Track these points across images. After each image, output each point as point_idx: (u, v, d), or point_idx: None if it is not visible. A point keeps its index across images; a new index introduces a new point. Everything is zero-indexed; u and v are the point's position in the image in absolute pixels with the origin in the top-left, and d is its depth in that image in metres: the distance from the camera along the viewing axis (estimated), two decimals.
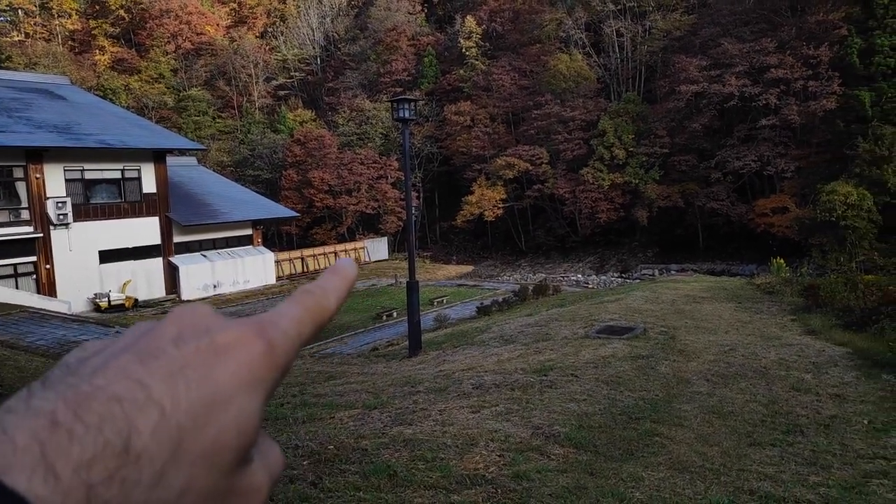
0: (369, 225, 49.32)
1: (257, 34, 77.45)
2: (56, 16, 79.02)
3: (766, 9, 39.80)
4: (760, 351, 10.22)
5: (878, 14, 34.44)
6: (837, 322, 12.52)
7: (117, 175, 28.19)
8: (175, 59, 70.62)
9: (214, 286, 29.97)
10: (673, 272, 34.90)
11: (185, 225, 29.57)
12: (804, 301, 14.82)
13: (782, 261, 21.70)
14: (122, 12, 76.82)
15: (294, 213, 39.95)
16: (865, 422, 6.78)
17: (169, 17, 71.82)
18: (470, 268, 44.89)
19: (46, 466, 0.27)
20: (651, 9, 46.01)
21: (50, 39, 75.11)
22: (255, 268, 32.05)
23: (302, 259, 37.70)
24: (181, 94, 65.70)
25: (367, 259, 43.47)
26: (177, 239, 29.91)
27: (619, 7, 46.94)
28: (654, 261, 40.61)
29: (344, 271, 0.44)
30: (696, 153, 39.57)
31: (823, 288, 14.65)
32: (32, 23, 77.51)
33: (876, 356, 9.76)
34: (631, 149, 41.02)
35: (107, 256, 27.40)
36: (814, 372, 8.99)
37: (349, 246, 42.98)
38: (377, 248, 45.18)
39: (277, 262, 34.60)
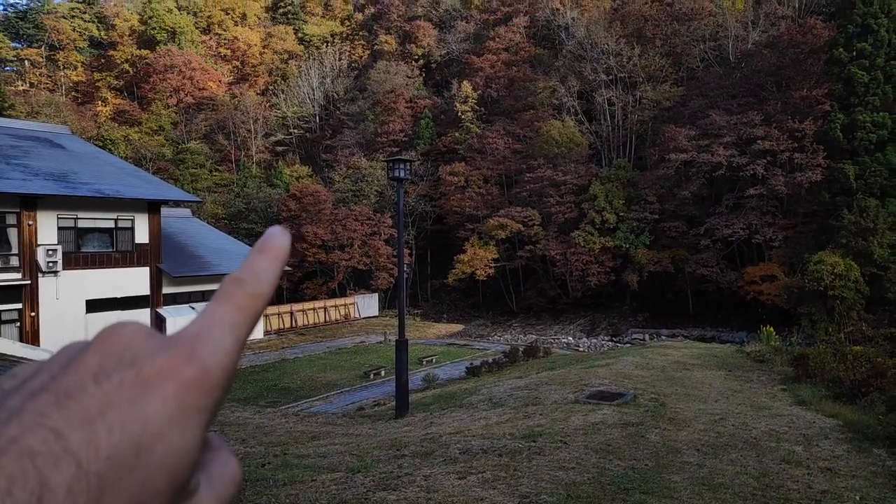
0: (361, 281, 49.26)
1: (258, 91, 79.39)
2: (62, 67, 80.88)
3: (751, 83, 41.28)
4: (751, 421, 10.12)
5: (859, 91, 35.78)
6: (827, 393, 12.45)
7: (110, 224, 28.21)
8: (176, 113, 71.99)
9: None
10: (663, 337, 34.83)
11: (175, 276, 29.44)
12: (794, 371, 14.77)
13: (772, 329, 21.74)
14: (126, 66, 78.78)
15: (286, 267, 39.85)
16: (857, 498, 6.67)
17: (173, 73, 73.61)
18: (460, 327, 44.64)
19: None
20: (641, 80, 47.63)
21: (54, 90, 76.63)
22: None
23: (291, 314, 37.43)
24: (180, 147, 66.65)
25: (356, 315, 43.19)
26: (166, 290, 29.72)
27: (610, 77, 48.57)
28: (645, 325, 40.57)
29: (274, 247, 0.40)
30: (686, 220, 40.18)
31: (813, 358, 14.63)
32: (38, 73, 79.20)
33: (866, 429, 9.68)
34: (621, 214, 41.63)
35: (94, 306, 27.09)
36: (804, 444, 8.88)
37: (339, 301, 42.78)
38: (368, 305, 44.97)
39: (266, 316, 34.32)
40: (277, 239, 0.40)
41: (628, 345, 32.26)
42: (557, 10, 59.34)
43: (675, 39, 47.85)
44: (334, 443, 9.18)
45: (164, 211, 31.65)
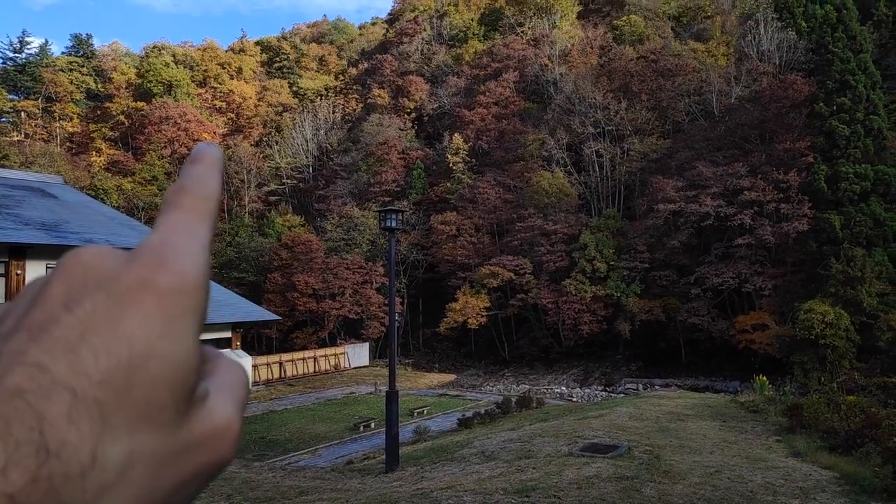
0: (352, 330, 48.87)
1: (253, 143, 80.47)
2: (58, 118, 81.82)
3: (736, 136, 42.28)
4: (746, 474, 9.97)
5: (840, 144, 36.73)
6: (822, 444, 12.34)
7: None
8: (170, 163, 72.62)
9: None
10: (657, 387, 34.53)
11: None
12: (788, 421, 14.64)
13: (765, 378, 21.66)
14: (122, 118, 79.85)
15: (276, 317, 39.49)
16: None
17: (168, 124, 74.63)
18: (452, 377, 44.12)
19: None
20: (628, 132, 48.69)
21: (49, 140, 77.33)
22: None
23: (280, 364, 36.96)
24: None
25: (347, 365, 42.68)
26: None
27: (598, 130, 49.64)
28: (638, 374, 40.27)
29: (206, 156, 0.37)
30: (676, 269, 40.43)
31: (807, 408, 14.55)
32: (34, 124, 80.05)
33: (863, 482, 9.56)
34: (612, 262, 41.88)
35: None
36: (801, 498, 8.74)
37: (330, 351, 42.34)
38: (358, 354, 44.49)
39: (255, 366, 33.86)
40: (208, 149, 0.38)
41: (622, 394, 31.94)
42: (546, 65, 61.05)
43: (661, 94, 49.17)
44: (322, 499, 8.95)
45: None
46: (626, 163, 47.72)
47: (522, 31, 70.67)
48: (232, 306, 35.48)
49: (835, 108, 37.25)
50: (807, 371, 30.03)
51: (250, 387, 0.35)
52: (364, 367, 43.87)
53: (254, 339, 49.88)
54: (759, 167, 38.82)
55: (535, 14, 71.58)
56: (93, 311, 0.29)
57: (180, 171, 0.37)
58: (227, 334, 33.16)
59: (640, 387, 36.02)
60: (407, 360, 48.07)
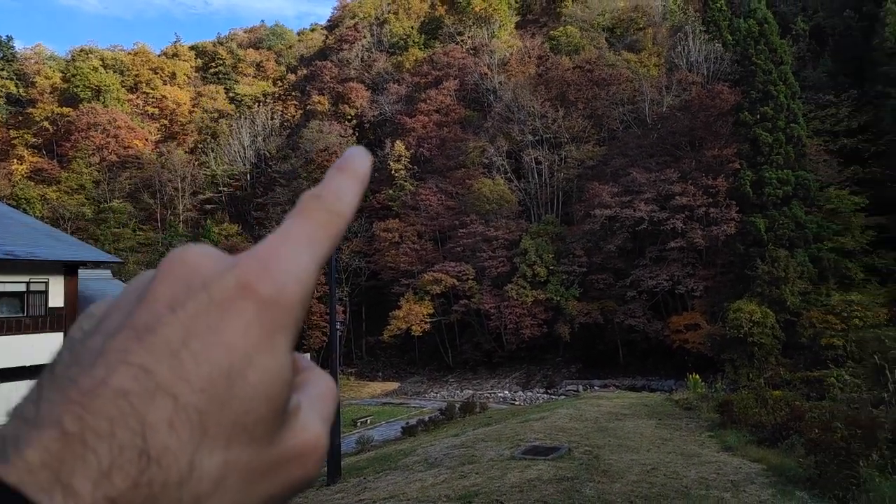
0: None
1: (187, 150, 78.04)
2: None
3: (667, 144, 43.88)
4: (681, 470, 10.29)
5: (764, 151, 38.66)
6: (751, 438, 12.86)
7: (21, 288, 26.47)
8: (98, 171, 69.58)
9: None
10: (596, 388, 35.33)
11: None
12: (720, 417, 15.21)
13: (698, 376, 22.46)
14: (46, 124, 75.96)
15: None
16: None
17: (96, 130, 71.54)
18: (396, 384, 43.89)
19: (64, 486, 0.25)
20: (566, 140, 49.82)
21: None
22: None
23: None
24: (102, 206, 64.16)
25: None
26: None
27: (536, 138, 50.58)
28: (578, 376, 41.10)
29: (354, 167, 0.37)
30: (613, 272, 41.53)
31: (737, 404, 15.14)
32: None
33: (789, 472, 10.01)
34: (551, 267, 42.66)
35: (2, 375, 25.13)
36: (732, 491, 9.08)
37: None
38: None
39: None
40: (358, 159, 0.37)
41: (563, 396, 32.51)
42: (486, 74, 61.83)
43: (596, 103, 50.56)
44: None
45: (83, 273, 30.03)
46: (563, 169, 48.78)
47: (462, 40, 71.35)
48: None
49: (758, 116, 39.20)
50: (737, 368, 31.37)
51: (337, 399, 0.35)
52: None
53: None
54: (689, 173, 40.39)
55: (474, 23, 72.41)
56: (195, 314, 0.29)
57: (326, 175, 0.36)
58: None
59: (581, 388, 36.77)
60: (350, 370, 47.53)
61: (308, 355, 45.43)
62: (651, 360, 39.71)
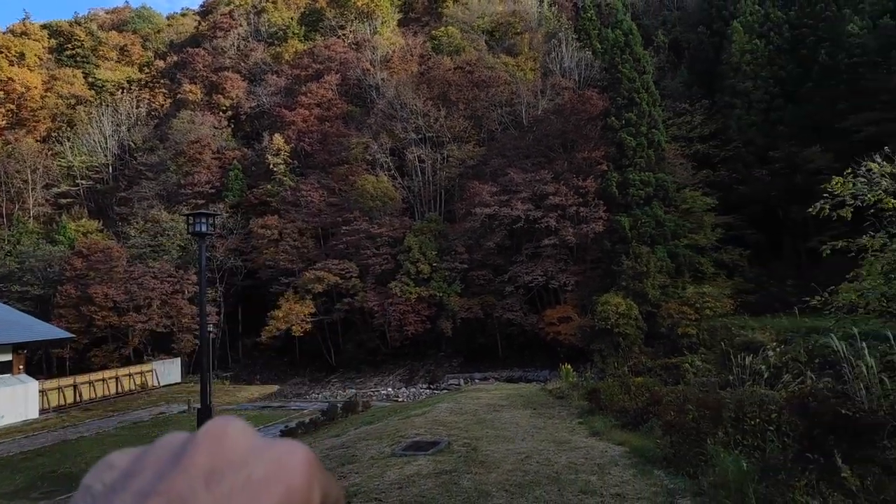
0: (161, 345, 44.95)
1: (39, 138, 70.81)
2: None
3: (542, 145, 45.84)
4: (553, 456, 10.79)
5: (628, 154, 41.46)
6: (616, 423, 13.74)
7: None
8: None
9: None
10: (477, 381, 36.25)
11: None
12: (589, 404, 16.14)
13: (570, 366, 23.69)
14: None
15: (68, 335, 35.24)
16: None
17: None
18: (276, 387, 42.47)
19: None
20: (448, 139, 50.59)
21: None
22: (12, 401, 27.26)
23: (75, 387, 32.93)
24: None
25: (156, 384, 39.21)
26: None
27: (420, 136, 50.95)
28: (460, 370, 41.96)
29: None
30: (492, 269, 42.80)
31: (604, 391, 16.13)
32: None
33: (648, 453, 10.79)
34: (434, 264, 43.21)
35: None
36: (598, 473, 9.65)
37: (135, 369, 38.57)
38: (169, 371, 41.09)
39: (43, 391, 29.85)
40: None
41: (445, 391, 33.04)
42: (368, 70, 61.33)
43: (476, 104, 51.77)
44: None
45: None
46: (446, 168, 49.52)
47: (344, 34, 70.31)
48: (14, 325, 30.95)
49: (624, 121, 41.97)
50: (604, 357, 33.41)
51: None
52: (176, 384, 40.64)
53: (42, 360, 43.89)
54: (562, 174, 42.45)
55: (356, 18, 71.60)
56: (230, 493, 0.29)
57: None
58: (9, 357, 28.86)
59: (462, 381, 37.57)
60: (225, 374, 45.43)
61: (178, 360, 42.73)
62: (528, 352, 41.35)
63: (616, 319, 33.90)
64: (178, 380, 41.46)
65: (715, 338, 30.26)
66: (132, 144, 67.04)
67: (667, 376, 24.75)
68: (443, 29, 66.08)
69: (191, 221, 13.40)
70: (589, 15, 57.17)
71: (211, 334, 27.52)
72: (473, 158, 48.72)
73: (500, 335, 41.87)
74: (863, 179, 7.94)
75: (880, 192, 7.61)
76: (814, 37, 42.31)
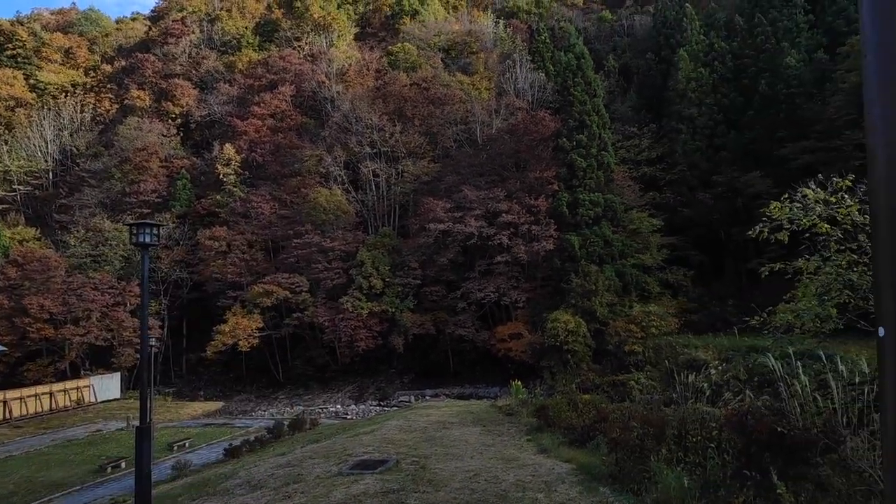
0: (100, 359, 43.16)
1: None
2: None
3: (496, 164, 46.42)
4: (501, 474, 10.80)
5: (579, 175, 42.35)
6: (564, 440, 13.86)
7: None
8: None
9: None
10: (427, 398, 36.08)
11: None
12: (537, 421, 16.24)
13: (520, 383, 23.81)
14: None
15: (0, 348, 33.47)
16: None
17: None
18: (220, 404, 41.29)
19: None
20: (403, 155, 50.67)
21: None
22: None
23: (4, 402, 31.26)
24: None
25: (93, 399, 37.58)
26: None
27: (374, 150, 50.86)
28: (411, 387, 41.70)
29: None
30: (445, 284, 42.87)
31: (552, 408, 16.26)
32: None
33: (594, 470, 10.92)
34: (387, 279, 43.00)
35: None
36: (545, 491, 9.70)
37: (71, 385, 36.91)
38: (107, 386, 39.46)
39: None
40: None
41: (395, 408, 32.75)
42: (323, 83, 61.01)
43: (432, 121, 52.09)
44: None
45: None
46: (400, 183, 49.51)
47: (300, 46, 69.86)
48: None
49: (575, 143, 42.90)
50: (554, 374, 33.79)
51: None
52: (115, 400, 39.05)
53: None
54: (515, 192, 43.02)
55: (312, 30, 71.31)
56: None
57: None
58: None
59: (413, 398, 37.33)
60: (168, 389, 43.91)
61: (118, 375, 41.22)
62: (479, 369, 41.45)
63: (565, 336, 34.37)
64: (118, 396, 39.85)
65: (660, 356, 31.00)
66: (75, 150, 64.67)
67: (614, 393, 25.19)
68: (399, 45, 66.41)
69: (134, 231, 12.93)
70: (543, 38, 58.48)
71: (153, 348, 26.55)
72: (428, 174, 48.88)
73: (451, 351, 41.86)
74: (798, 205, 8.31)
75: (815, 217, 7.98)
76: (755, 67, 44.33)
